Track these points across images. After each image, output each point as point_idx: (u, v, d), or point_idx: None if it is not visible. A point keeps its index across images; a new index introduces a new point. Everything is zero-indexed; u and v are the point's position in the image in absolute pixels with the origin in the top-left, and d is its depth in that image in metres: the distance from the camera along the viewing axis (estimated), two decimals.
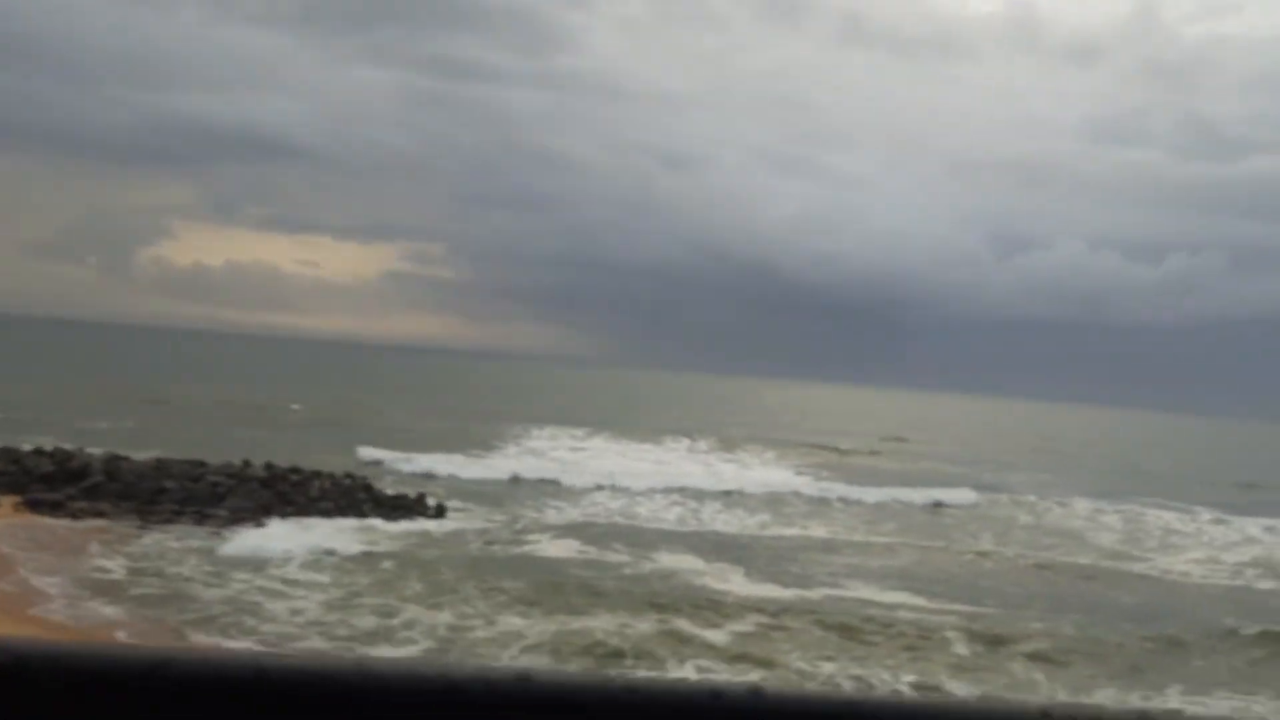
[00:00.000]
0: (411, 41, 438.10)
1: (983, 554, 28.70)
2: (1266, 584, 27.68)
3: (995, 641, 18.22)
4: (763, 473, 44.44)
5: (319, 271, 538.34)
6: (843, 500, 37.15)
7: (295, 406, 59.16)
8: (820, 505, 35.89)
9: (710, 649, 16.43)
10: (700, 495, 34.99)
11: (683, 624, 17.43)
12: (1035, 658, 17.50)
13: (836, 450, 59.39)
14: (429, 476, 33.63)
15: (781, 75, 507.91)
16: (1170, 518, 39.26)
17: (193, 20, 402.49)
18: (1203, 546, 33.46)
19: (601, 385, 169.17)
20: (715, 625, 17.57)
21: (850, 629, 18.08)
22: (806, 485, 40.29)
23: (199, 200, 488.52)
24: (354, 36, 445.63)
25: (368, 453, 36.19)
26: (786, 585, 21.64)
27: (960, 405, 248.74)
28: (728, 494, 35.94)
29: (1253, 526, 37.90)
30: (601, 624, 17.07)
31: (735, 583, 21.45)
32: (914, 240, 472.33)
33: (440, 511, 26.56)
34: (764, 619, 18.29)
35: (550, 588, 19.14)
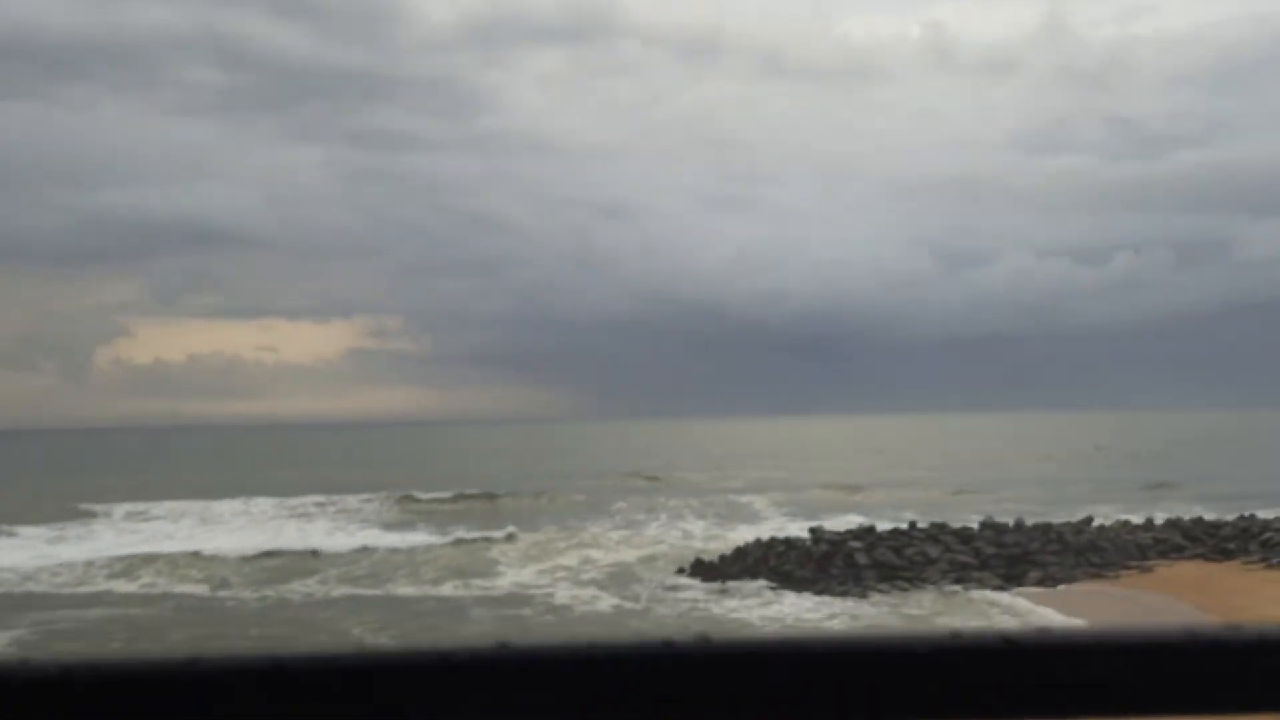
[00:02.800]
0: (335, 117, 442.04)
1: None
2: None
3: None
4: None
5: (279, 355, 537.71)
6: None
7: None
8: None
9: None
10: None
11: None
12: None
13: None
14: None
15: (705, 117, 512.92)
16: None
17: (111, 117, 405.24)
18: None
19: (502, 441, 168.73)
20: None
21: None
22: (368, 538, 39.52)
23: (149, 295, 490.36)
24: (276, 117, 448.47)
25: None
26: None
27: (896, 426, 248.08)
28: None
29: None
30: None
31: None
32: (858, 266, 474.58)
33: None
34: None
35: None
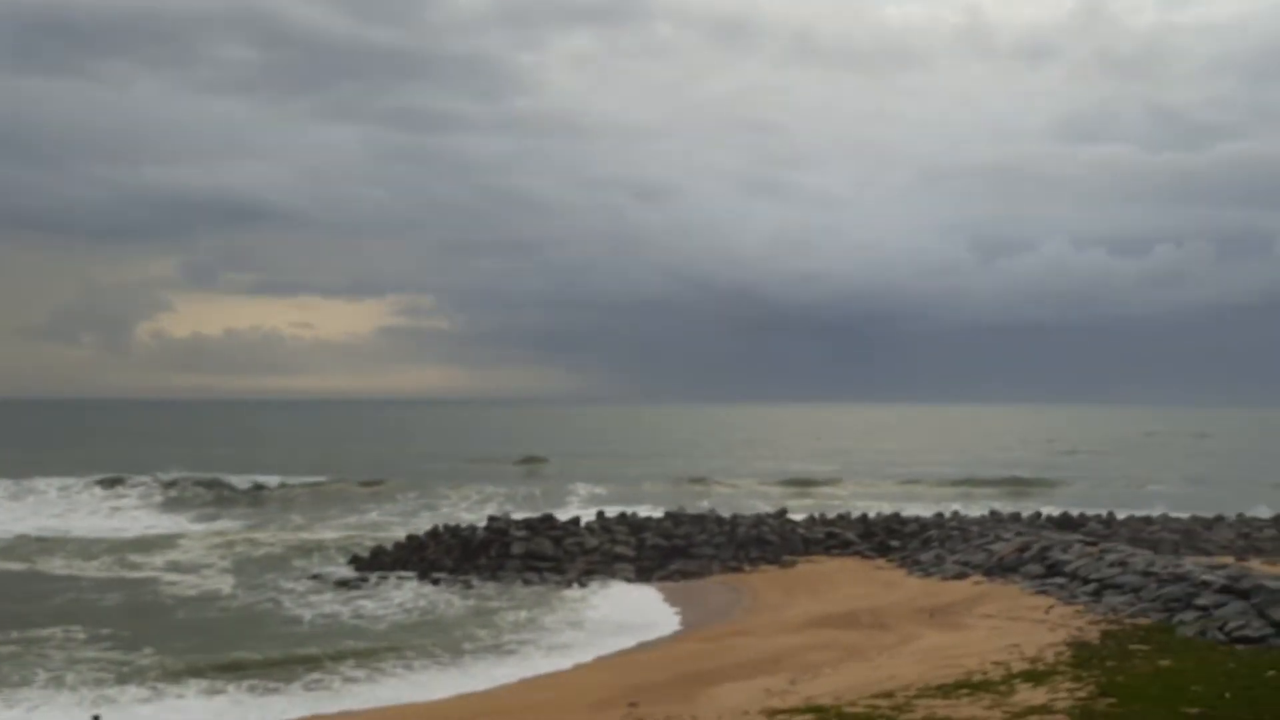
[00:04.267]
0: (369, 96, 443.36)
1: None
2: None
3: None
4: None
5: (315, 332, 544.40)
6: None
7: None
8: None
9: None
10: None
11: None
12: None
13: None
14: None
15: (739, 99, 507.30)
16: None
17: (148, 94, 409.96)
18: None
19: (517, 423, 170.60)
20: None
21: None
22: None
23: (187, 271, 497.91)
24: (311, 96, 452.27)
25: None
26: None
27: (935, 414, 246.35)
28: None
29: None
30: None
31: None
32: (894, 252, 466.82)
33: None
34: None
35: None
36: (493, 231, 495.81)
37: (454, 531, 33.97)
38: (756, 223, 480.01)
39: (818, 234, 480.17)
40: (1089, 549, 26.73)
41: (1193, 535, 35.23)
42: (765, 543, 33.72)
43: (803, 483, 59.54)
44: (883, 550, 33.17)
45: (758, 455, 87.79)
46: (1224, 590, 20.67)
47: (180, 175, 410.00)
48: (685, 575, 31.08)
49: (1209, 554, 33.57)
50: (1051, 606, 22.76)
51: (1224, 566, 23.81)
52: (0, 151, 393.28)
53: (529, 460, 73.47)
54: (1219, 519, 37.45)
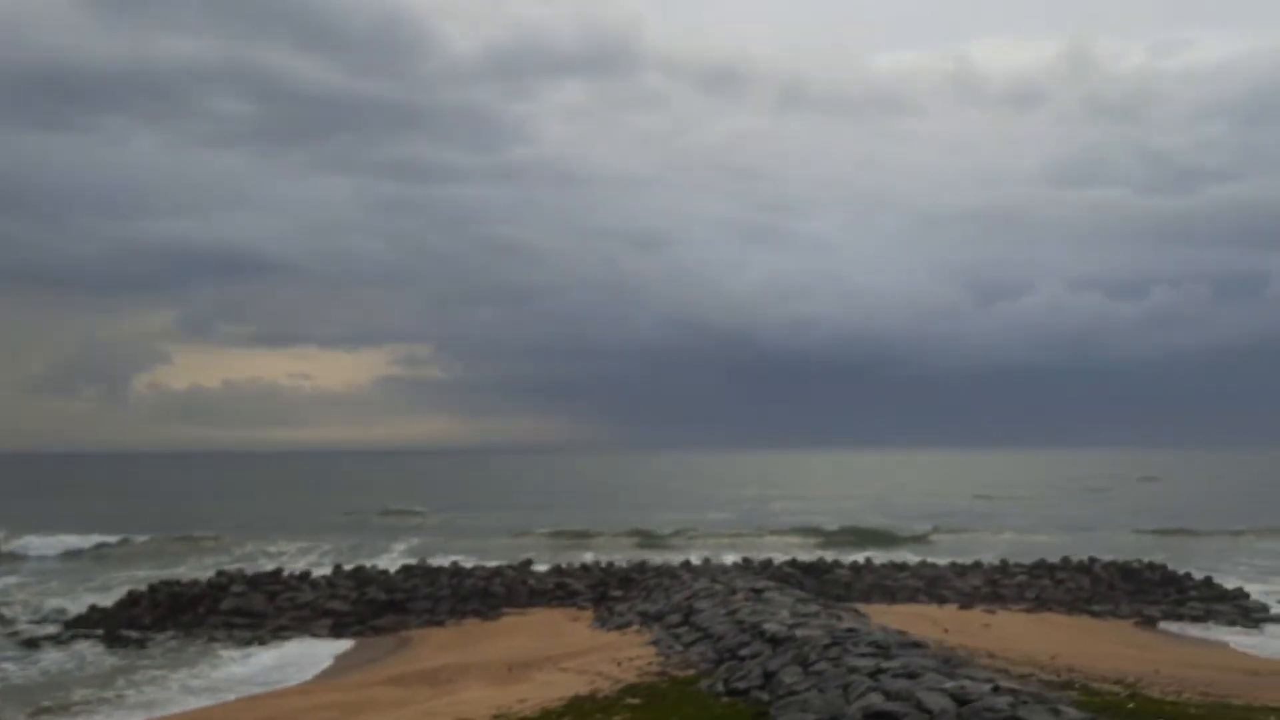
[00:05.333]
0: (363, 148, 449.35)
1: None
2: None
3: None
4: None
5: (313, 383, 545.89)
6: None
7: None
8: None
9: None
10: None
11: None
12: None
13: None
14: None
15: (731, 147, 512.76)
16: None
17: (145, 148, 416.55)
18: None
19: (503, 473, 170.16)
20: None
21: None
22: None
23: (185, 323, 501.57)
24: (305, 148, 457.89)
25: None
26: None
27: (916, 459, 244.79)
28: None
29: None
30: None
31: None
32: (890, 297, 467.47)
33: None
34: None
35: None
36: (489, 281, 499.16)
37: (170, 586, 33.41)
38: (751, 269, 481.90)
39: (812, 279, 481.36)
40: (735, 599, 26.05)
41: (937, 582, 34.50)
42: (490, 594, 33.09)
43: (647, 534, 58.58)
44: (601, 600, 32.47)
45: (680, 504, 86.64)
46: (769, 641, 20.08)
47: (177, 228, 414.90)
48: (379, 631, 30.44)
49: (944, 600, 32.98)
50: (635, 658, 22.14)
51: (841, 618, 23.12)
52: (2, 206, 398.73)
53: (398, 513, 72.84)
54: (976, 565, 36.75)
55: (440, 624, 30.93)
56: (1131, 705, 17.44)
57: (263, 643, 29.06)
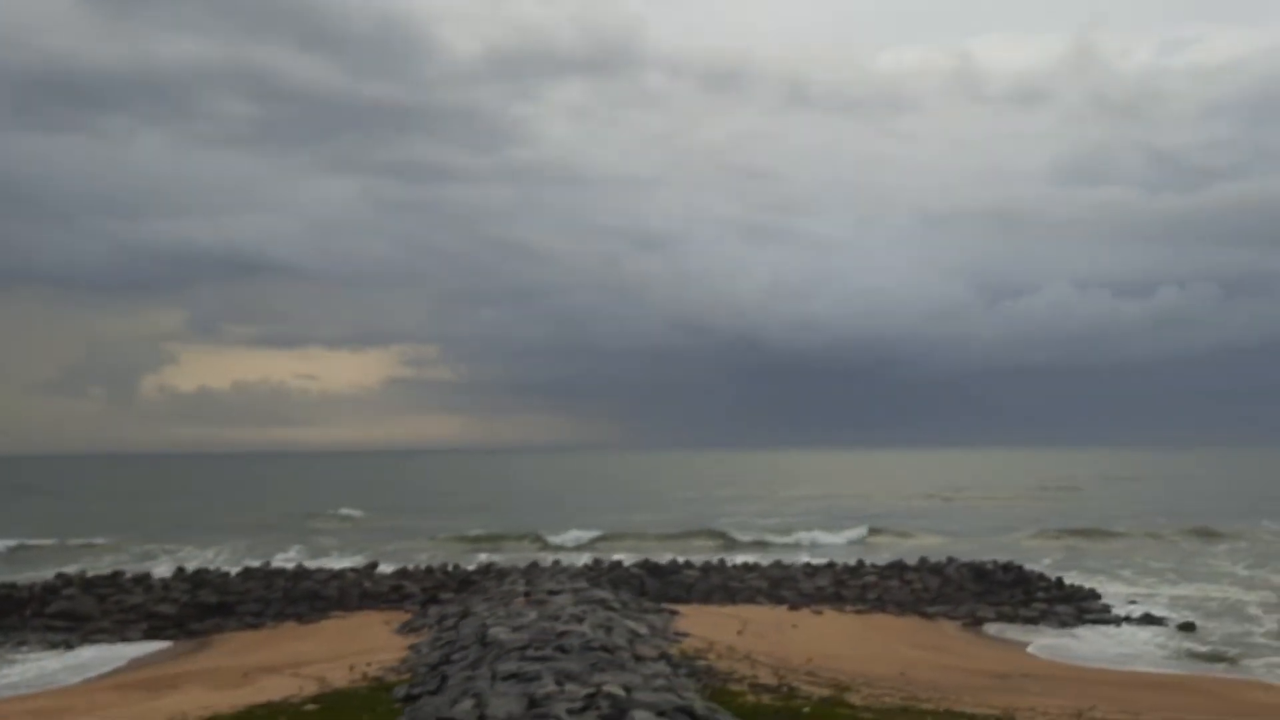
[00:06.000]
0: (366, 149, 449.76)
1: None
2: None
3: None
4: None
5: (320, 384, 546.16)
6: None
7: None
8: None
9: None
10: None
11: None
12: None
13: None
14: None
15: (734, 147, 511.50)
16: None
17: (149, 149, 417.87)
18: None
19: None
20: None
21: None
22: None
23: (191, 324, 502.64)
24: (309, 149, 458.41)
25: None
26: None
27: (915, 459, 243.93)
28: None
29: None
30: None
31: None
32: (896, 297, 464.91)
33: None
34: None
35: None
36: (495, 281, 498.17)
37: (9, 589, 33.22)
38: (755, 269, 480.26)
39: (816, 279, 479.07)
40: (516, 603, 25.71)
41: (782, 583, 34.06)
42: (320, 597, 32.78)
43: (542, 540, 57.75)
44: (429, 602, 32.12)
45: (625, 506, 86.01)
46: (485, 644, 19.80)
47: (183, 228, 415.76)
48: (192, 635, 30.14)
49: (781, 601, 32.59)
50: (382, 663, 21.86)
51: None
52: (9, 208, 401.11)
53: (324, 516, 72.51)
54: (829, 565, 36.38)
55: (257, 627, 30.62)
56: (807, 710, 17.08)
57: (69, 646, 28.73)
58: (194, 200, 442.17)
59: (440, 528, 62.24)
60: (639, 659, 18.91)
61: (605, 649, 18.58)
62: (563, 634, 19.55)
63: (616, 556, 39.91)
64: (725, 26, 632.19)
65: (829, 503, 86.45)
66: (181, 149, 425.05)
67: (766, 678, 19.74)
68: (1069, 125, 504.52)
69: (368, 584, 33.74)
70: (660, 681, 16.21)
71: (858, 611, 31.00)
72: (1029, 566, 36.71)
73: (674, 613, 29.04)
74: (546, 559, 39.97)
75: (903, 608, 31.46)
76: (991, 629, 29.41)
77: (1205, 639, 27.87)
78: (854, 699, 18.23)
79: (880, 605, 32.10)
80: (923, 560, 36.19)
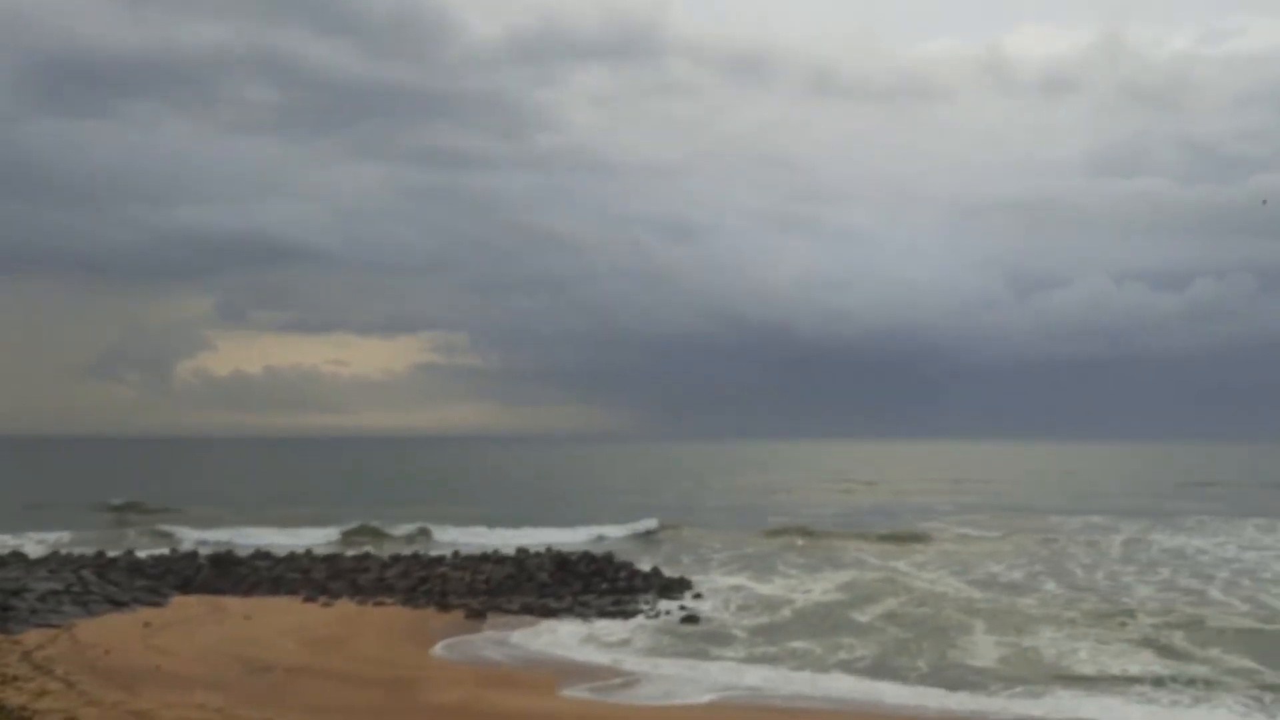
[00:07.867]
0: (391, 135, 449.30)
1: None
2: None
3: None
4: None
5: (350, 370, 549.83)
6: None
7: None
8: None
9: None
10: None
11: None
12: None
13: None
14: None
15: (761, 136, 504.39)
16: None
17: (175, 136, 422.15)
18: None
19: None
20: None
21: None
22: None
23: (223, 310, 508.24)
24: (333, 135, 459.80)
25: None
26: None
27: (946, 451, 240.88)
28: None
29: None
30: None
31: None
32: (927, 289, 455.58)
33: None
34: None
35: None
36: (523, 269, 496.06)
37: None
38: (786, 259, 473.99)
39: (849, 270, 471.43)
40: None
41: (311, 572, 33.06)
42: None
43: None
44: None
45: (610, 496, 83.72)
46: None
47: (212, 215, 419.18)
48: None
49: (288, 591, 31.28)
50: None
51: None
52: (39, 194, 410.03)
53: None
54: (396, 558, 35.40)
55: None
56: None
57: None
58: (220, 187, 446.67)
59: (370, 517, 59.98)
60: None
61: None
62: None
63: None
64: (750, 13, 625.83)
65: (766, 495, 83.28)
66: (205, 135, 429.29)
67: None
68: (1101, 116, 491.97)
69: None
70: None
71: (358, 602, 29.60)
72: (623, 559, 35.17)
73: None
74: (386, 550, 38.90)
75: (404, 596, 29.90)
76: (500, 620, 27.73)
77: (680, 634, 26.36)
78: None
79: (373, 595, 30.16)
80: (495, 550, 34.86)
